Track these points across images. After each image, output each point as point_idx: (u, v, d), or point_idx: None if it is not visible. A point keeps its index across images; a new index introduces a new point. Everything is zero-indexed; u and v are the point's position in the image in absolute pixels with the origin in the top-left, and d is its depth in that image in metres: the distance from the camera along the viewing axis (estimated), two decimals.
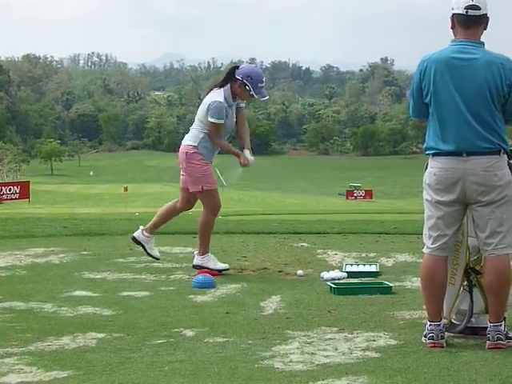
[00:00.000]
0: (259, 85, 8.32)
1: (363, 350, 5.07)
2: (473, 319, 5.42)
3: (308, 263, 8.99)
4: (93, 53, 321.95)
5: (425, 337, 5.25)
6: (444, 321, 5.37)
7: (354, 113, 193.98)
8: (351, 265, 8.60)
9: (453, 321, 5.47)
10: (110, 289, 7.37)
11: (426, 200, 5.33)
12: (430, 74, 5.21)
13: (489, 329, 5.20)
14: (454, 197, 5.19)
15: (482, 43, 5.26)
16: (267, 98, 8.74)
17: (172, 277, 8.12)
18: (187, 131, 8.61)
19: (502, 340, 5.15)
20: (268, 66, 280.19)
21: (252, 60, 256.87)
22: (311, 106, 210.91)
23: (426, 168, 5.37)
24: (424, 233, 5.39)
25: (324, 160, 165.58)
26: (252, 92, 8.28)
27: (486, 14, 5.22)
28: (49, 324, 5.82)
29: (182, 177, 8.59)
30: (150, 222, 8.81)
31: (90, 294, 7.12)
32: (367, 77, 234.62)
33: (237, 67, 8.43)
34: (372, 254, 9.77)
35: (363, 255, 9.70)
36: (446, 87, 5.17)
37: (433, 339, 5.18)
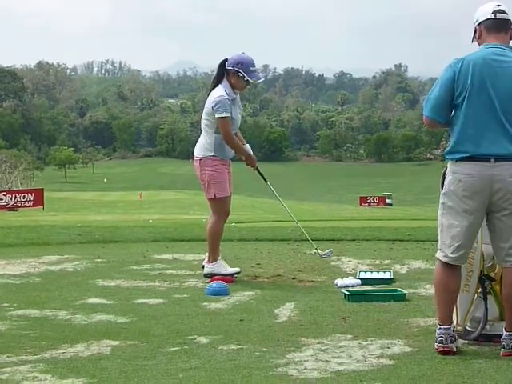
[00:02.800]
0: (251, 68, 8.44)
1: (377, 357, 5.06)
2: (487, 326, 5.40)
3: (322, 270, 8.98)
4: (107, 60, 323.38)
5: (436, 341, 5.22)
6: (458, 328, 5.36)
7: (367, 119, 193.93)
8: (365, 272, 8.59)
9: (467, 328, 5.45)
10: (124, 296, 7.38)
11: (450, 208, 5.19)
12: (466, 74, 5.09)
13: (504, 337, 5.17)
14: (480, 204, 5.09)
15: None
16: (262, 79, 9.01)
17: (186, 284, 8.12)
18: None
19: None
20: (281, 72, 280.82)
21: (265, 67, 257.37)
22: (324, 112, 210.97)
23: (444, 174, 5.28)
24: (442, 240, 5.26)
25: (337, 167, 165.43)
26: (246, 77, 8.38)
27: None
28: (63, 331, 5.83)
29: None
30: (208, 251, 8.51)
31: (104, 301, 7.13)
32: (380, 83, 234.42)
33: (226, 60, 8.47)
34: (386, 261, 9.76)
35: (377, 262, 9.68)
36: (484, 88, 5.08)
37: (442, 343, 5.13)
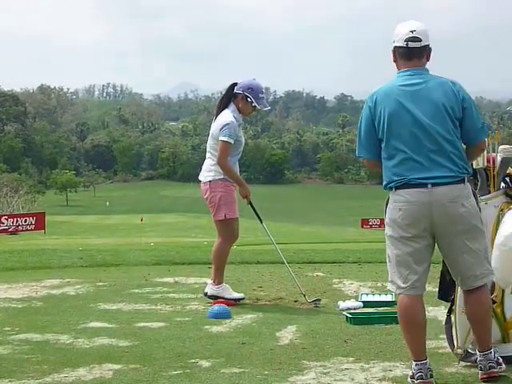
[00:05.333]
0: (260, 95, 8.51)
1: (380, 380, 5.06)
2: None
3: (324, 293, 8.98)
4: (108, 84, 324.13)
5: (412, 378, 4.98)
6: (459, 350, 5.34)
7: None
8: (367, 294, 8.59)
9: (469, 350, 5.43)
10: (125, 320, 7.38)
11: (391, 237, 5.05)
12: (381, 107, 5.04)
13: (479, 359, 5.10)
14: (422, 231, 4.93)
15: (427, 69, 5.14)
16: (269, 107, 8.98)
17: (187, 307, 8.12)
18: (202, 160, 8.67)
19: (494, 368, 5.05)
20: (282, 95, 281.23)
21: (266, 90, 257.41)
22: (325, 134, 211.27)
23: (387, 204, 5.08)
24: (391, 272, 5.11)
25: (339, 189, 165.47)
26: (254, 103, 8.42)
27: (428, 45, 5.13)
28: (65, 355, 5.83)
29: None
30: (212, 273, 8.51)
31: (105, 325, 7.13)
32: None
33: (235, 84, 8.54)
34: (388, 283, 9.73)
35: (379, 284, 9.67)
36: (404, 114, 4.99)
37: (422, 379, 4.91)
